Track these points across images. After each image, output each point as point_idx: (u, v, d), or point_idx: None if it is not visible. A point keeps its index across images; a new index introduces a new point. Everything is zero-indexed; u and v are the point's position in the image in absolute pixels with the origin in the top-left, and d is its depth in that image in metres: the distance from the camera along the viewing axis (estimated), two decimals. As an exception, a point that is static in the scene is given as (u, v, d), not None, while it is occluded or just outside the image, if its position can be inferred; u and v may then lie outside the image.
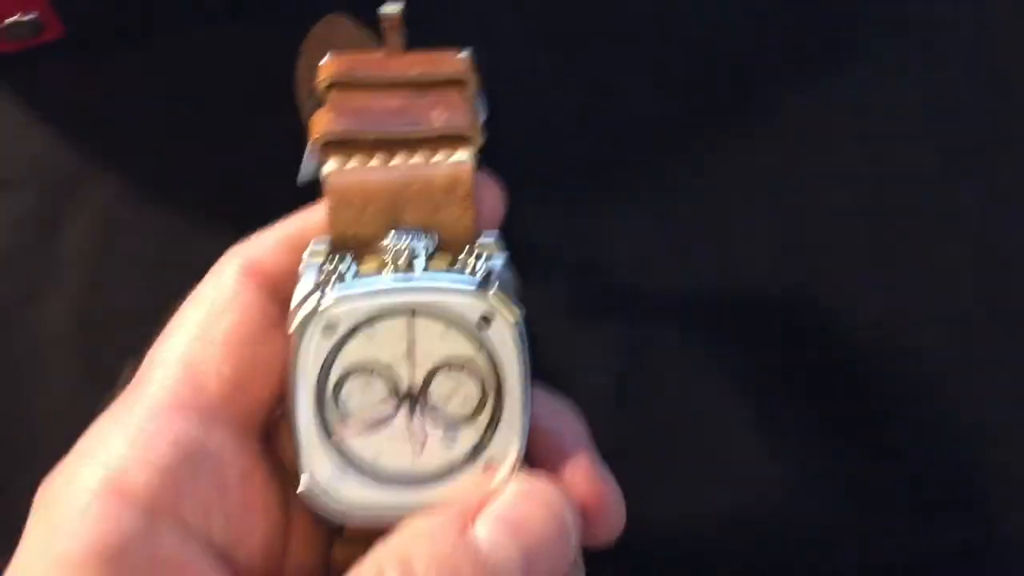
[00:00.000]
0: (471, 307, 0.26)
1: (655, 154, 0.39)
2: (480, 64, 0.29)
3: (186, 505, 0.24)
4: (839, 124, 0.39)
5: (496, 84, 0.30)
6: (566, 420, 0.28)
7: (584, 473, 0.27)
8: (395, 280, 0.26)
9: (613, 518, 0.27)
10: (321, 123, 0.28)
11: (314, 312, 0.26)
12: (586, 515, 0.26)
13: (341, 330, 0.26)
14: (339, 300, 0.26)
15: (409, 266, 0.26)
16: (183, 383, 0.26)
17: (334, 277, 0.26)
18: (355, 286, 0.26)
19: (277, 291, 0.27)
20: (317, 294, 0.26)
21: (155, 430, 0.25)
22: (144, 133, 0.39)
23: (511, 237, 0.28)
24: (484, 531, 0.25)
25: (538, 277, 0.30)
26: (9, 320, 0.37)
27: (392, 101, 0.28)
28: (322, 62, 0.29)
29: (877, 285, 0.38)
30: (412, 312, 0.26)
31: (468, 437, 0.27)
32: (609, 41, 0.39)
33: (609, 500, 0.27)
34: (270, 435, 0.27)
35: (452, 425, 0.27)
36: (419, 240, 0.27)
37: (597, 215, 0.38)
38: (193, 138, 0.39)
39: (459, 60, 0.29)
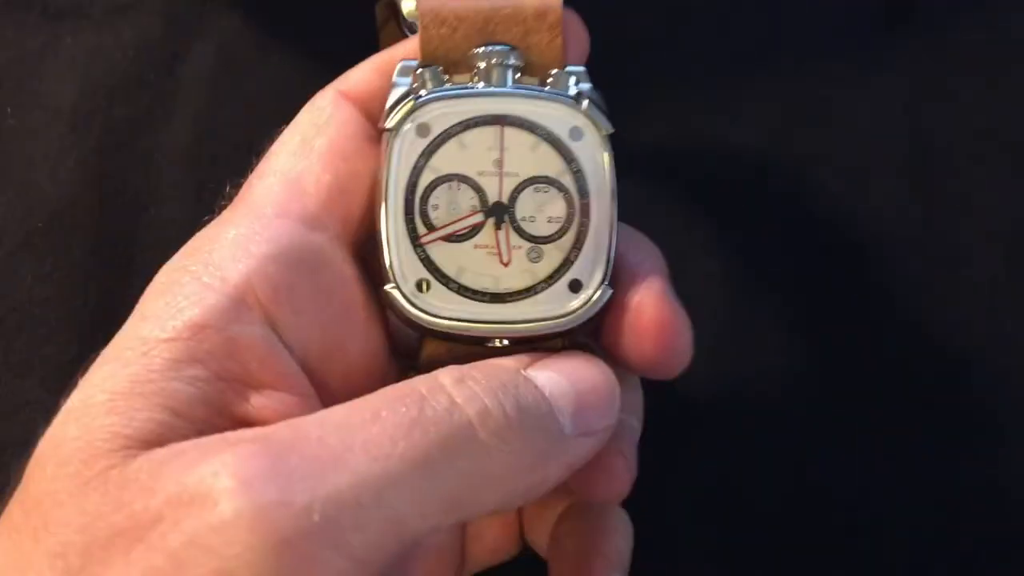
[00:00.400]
0: (563, 118, 0.27)
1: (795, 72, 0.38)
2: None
3: (281, 305, 0.25)
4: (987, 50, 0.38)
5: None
6: (647, 248, 0.28)
7: (655, 297, 0.27)
8: (490, 88, 0.27)
9: (679, 345, 0.27)
10: None
11: (410, 111, 0.26)
12: (654, 337, 0.27)
13: (434, 132, 0.27)
14: (433, 102, 0.27)
15: (500, 78, 0.27)
16: (284, 192, 0.26)
17: (429, 83, 0.27)
18: (449, 91, 0.27)
19: (372, 112, 0.28)
20: (412, 96, 0.27)
21: (255, 232, 0.26)
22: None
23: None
24: (540, 371, 0.25)
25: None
26: (126, 141, 0.38)
27: None
28: None
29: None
30: (504, 122, 0.27)
31: (553, 256, 0.27)
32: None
33: (676, 325, 0.27)
34: (367, 252, 0.28)
35: (538, 242, 0.27)
36: (510, 54, 0.27)
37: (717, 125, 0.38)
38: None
39: None
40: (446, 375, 0.24)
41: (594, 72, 0.28)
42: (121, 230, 0.37)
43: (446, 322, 0.27)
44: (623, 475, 0.27)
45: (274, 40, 0.39)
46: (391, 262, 0.27)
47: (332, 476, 0.21)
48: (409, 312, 0.27)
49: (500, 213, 0.27)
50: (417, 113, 0.27)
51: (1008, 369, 0.36)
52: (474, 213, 0.27)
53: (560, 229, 0.27)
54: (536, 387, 0.25)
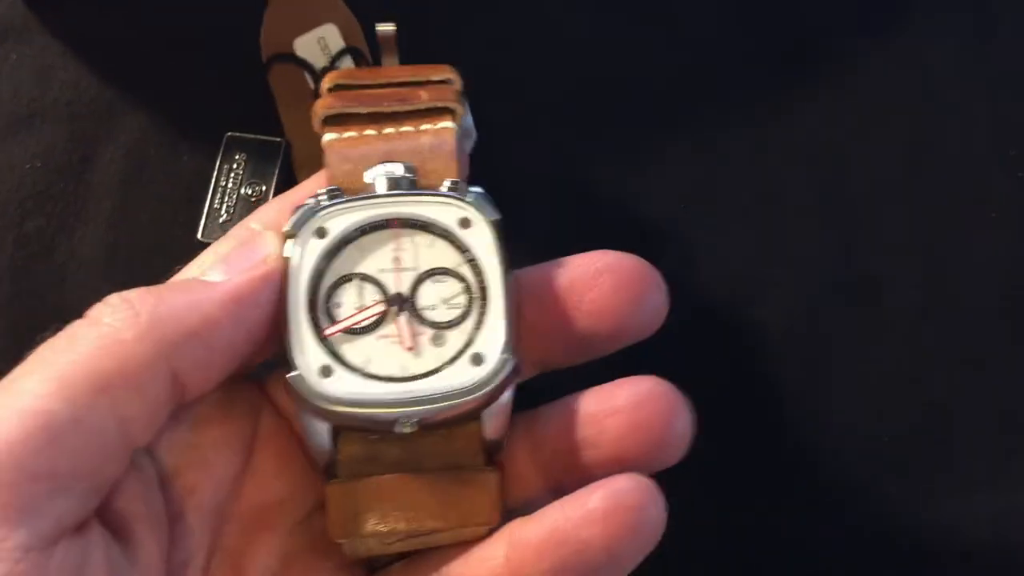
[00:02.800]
0: (451, 211, 0.28)
1: (704, 114, 0.39)
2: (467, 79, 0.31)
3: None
4: (890, 91, 0.39)
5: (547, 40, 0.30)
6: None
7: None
8: (380, 194, 0.28)
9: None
10: (321, 104, 0.30)
11: (306, 217, 0.28)
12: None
13: (332, 236, 0.28)
14: (330, 208, 0.28)
15: (392, 187, 0.28)
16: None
17: (327, 198, 0.28)
18: (345, 200, 0.28)
19: None
20: (312, 204, 0.28)
21: None
22: (171, 70, 0.39)
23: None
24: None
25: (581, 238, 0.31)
26: (40, 250, 0.37)
27: (387, 90, 0.30)
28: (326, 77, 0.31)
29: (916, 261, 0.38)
30: (399, 224, 0.28)
31: (457, 339, 0.28)
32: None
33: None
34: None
35: (440, 328, 0.28)
36: (400, 168, 0.29)
37: (639, 173, 0.38)
38: (219, 77, 0.39)
39: (445, 67, 0.31)
40: None
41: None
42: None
43: (350, 409, 0.27)
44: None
45: (182, 137, 0.38)
46: (294, 352, 0.27)
47: None
48: (312, 395, 0.27)
49: (400, 303, 0.28)
50: (315, 220, 0.28)
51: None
52: (376, 304, 0.28)
53: (462, 314, 0.28)
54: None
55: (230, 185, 0.38)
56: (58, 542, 0.23)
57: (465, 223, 0.28)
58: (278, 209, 0.29)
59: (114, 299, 0.26)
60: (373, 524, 0.27)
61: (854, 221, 0.38)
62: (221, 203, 0.37)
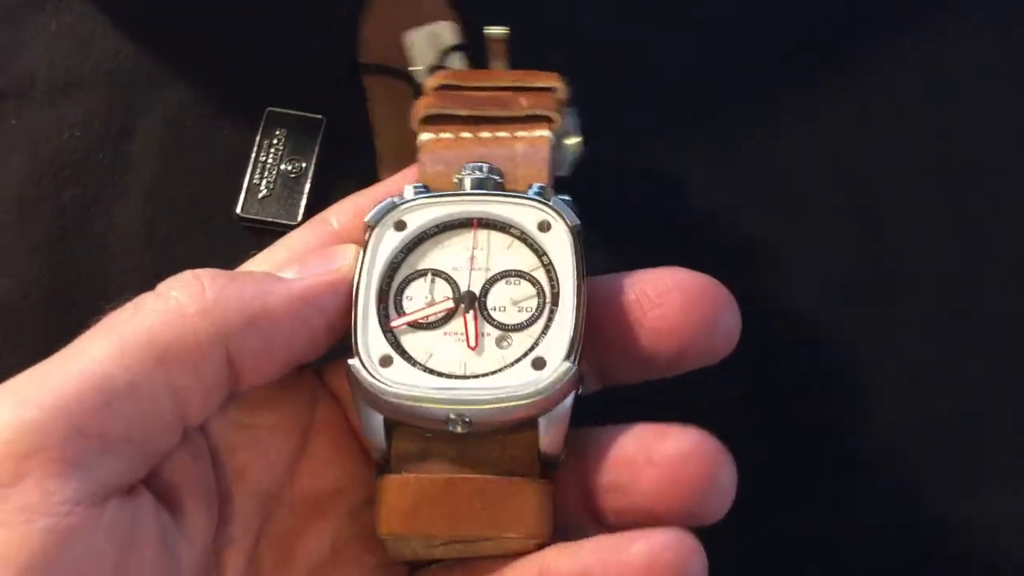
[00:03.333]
0: (531, 213, 0.28)
1: (730, 113, 0.38)
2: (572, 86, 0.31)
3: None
4: (916, 87, 0.38)
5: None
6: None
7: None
8: (463, 192, 0.28)
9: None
10: (421, 104, 0.30)
11: (388, 208, 0.28)
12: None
13: (410, 230, 0.28)
14: (412, 202, 0.28)
15: (476, 186, 0.29)
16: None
17: (410, 193, 0.29)
18: (427, 195, 0.29)
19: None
20: (394, 201, 0.28)
21: None
22: (212, 41, 0.39)
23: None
24: None
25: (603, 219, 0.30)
26: (78, 221, 0.37)
27: (488, 94, 0.31)
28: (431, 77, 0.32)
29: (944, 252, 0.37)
30: (477, 223, 0.28)
31: (522, 342, 0.27)
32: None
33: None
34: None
35: (508, 330, 0.27)
36: (489, 170, 0.29)
37: (666, 169, 0.38)
38: (261, 51, 0.38)
39: (555, 76, 0.31)
40: None
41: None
42: (78, 323, 0.35)
43: (402, 398, 0.26)
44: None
45: (221, 111, 0.38)
46: (357, 339, 0.27)
47: None
48: (369, 384, 0.26)
49: (470, 301, 0.28)
50: (396, 213, 0.28)
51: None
52: (445, 300, 0.28)
53: (530, 318, 0.27)
54: None
55: (270, 161, 0.37)
56: (107, 501, 0.24)
57: (544, 226, 0.28)
58: (356, 204, 0.29)
59: (187, 274, 0.26)
60: (418, 523, 0.27)
61: (877, 220, 0.37)
62: (261, 178, 0.37)
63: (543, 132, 0.30)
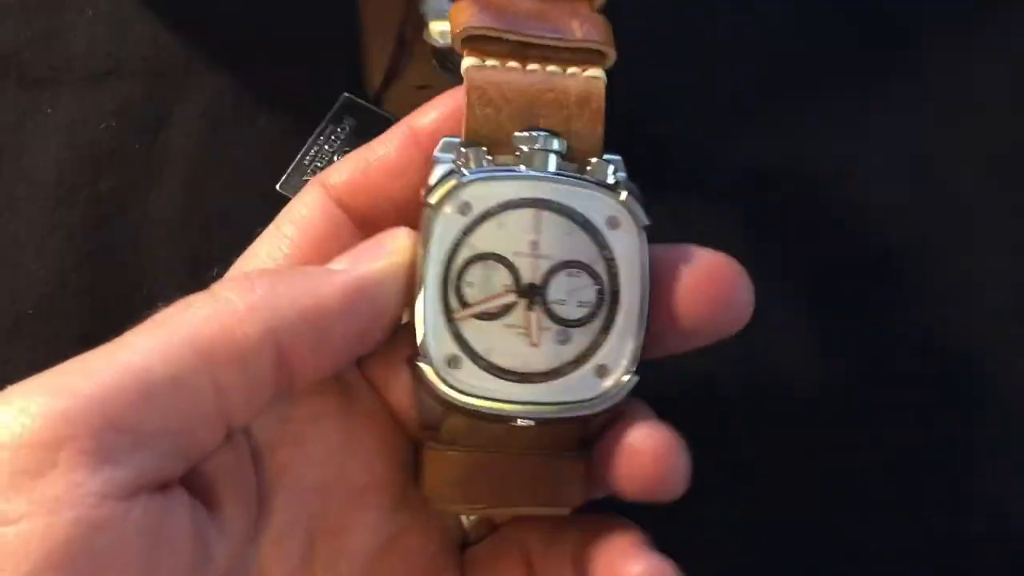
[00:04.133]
0: (601, 206, 0.27)
1: (781, 94, 0.38)
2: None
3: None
4: (980, 81, 0.38)
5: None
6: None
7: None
8: (532, 171, 0.27)
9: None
10: (463, 15, 0.27)
11: (453, 190, 0.26)
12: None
13: (475, 211, 0.27)
14: (477, 182, 0.27)
15: (542, 163, 0.27)
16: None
17: (472, 163, 0.27)
18: (492, 172, 0.27)
19: (345, 200, 0.29)
20: (455, 175, 0.27)
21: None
22: (251, 30, 0.38)
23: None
24: None
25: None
26: (114, 214, 0.37)
27: (536, 7, 0.28)
28: None
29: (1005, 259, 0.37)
30: (543, 206, 0.27)
31: (580, 340, 0.27)
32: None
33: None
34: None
35: (567, 325, 0.27)
36: (553, 140, 0.27)
37: (718, 153, 0.37)
38: (300, 41, 0.38)
39: None
40: None
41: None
42: (114, 312, 0.35)
43: (475, 400, 0.26)
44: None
45: (259, 101, 0.38)
46: (424, 337, 0.27)
47: None
48: (439, 388, 0.26)
49: (532, 294, 0.27)
50: (460, 192, 0.27)
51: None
52: (507, 293, 0.27)
53: (589, 314, 0.27)
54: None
55: (327, 147, 0.37)
56: (137, 496, 0.23)
57: (613, 223, 0.27)
58: (355, 164, 0.29)
59: (238, 275, 0.26)
60: (464, 495, 0.27)
61: (940, 215, 0.37)
62: (311, 161, 0.37)
63: (597, 72, 0.27)
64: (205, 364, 0.24)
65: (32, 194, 0.37)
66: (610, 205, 0.27)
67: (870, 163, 0.37)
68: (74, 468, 0.22)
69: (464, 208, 0.26)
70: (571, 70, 0.28)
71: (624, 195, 0.27)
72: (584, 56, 0.28)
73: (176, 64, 0.38)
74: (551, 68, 0.27)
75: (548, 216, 0.27)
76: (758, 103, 0.38)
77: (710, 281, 0.27)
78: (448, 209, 0.26)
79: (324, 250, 0.28)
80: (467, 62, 0.27)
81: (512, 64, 0.27)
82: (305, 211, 0.29)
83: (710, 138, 0.38)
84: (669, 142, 0.37)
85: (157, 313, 0.25)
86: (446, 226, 0.26)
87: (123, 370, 0.23)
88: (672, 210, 0.35)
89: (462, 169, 0.27)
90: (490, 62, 0.27)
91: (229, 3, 0.39)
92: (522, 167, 0.27)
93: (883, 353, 0.36)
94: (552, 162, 0.27)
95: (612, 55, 0.28)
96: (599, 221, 0.27)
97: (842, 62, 0.38)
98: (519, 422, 0.27)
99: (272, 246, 0.28)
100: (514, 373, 0.26)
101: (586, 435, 0.27)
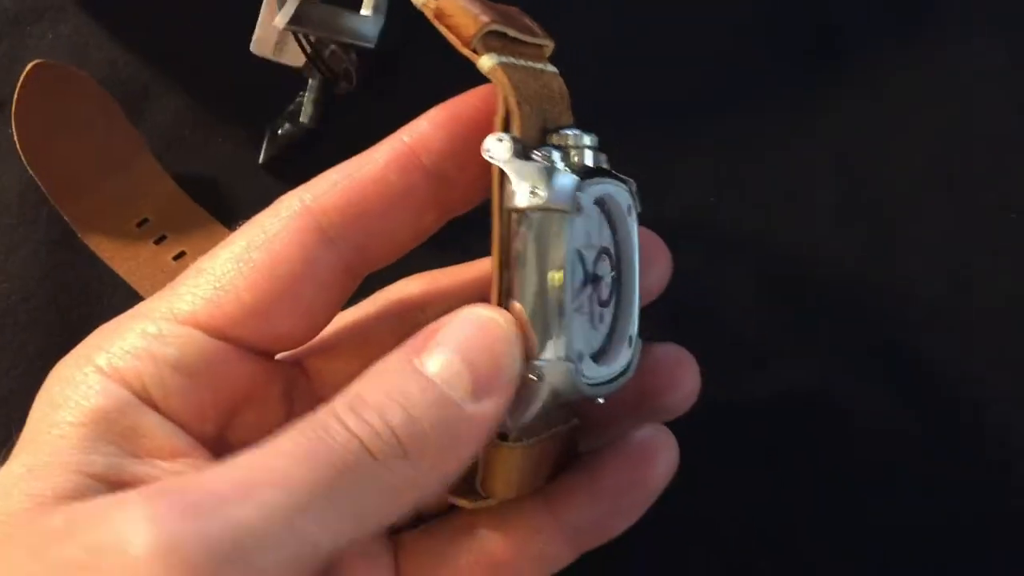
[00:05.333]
0: (626, 198, 0.28)
1: (730, 112, 0.39)
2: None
3: (173, 403, 0.26)
4: (921, 89, 0.39)
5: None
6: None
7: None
8: (601, 175, 0.27)
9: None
10: (469, 14, 0.26)
11: (572, 191, 0.25)
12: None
13: (581, 210, 0.26)
14: (581, 184, 0.26)
15: (595, 160, 0.27)
16: (207, 299, 0.26)
17: (559, 165, 0.26)
18: (595, 174, 0.27)
19: (328, 232, 0.27)
20: (556, 179, 0.26)
21: (161, 335, 0.26)
22: (208, 51, 0.40)
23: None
24: (430, 357, 0.25)
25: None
26: (72, 229, 0.38)
27: (501, 6, 0.28)
28: None
29: (943, 258, 0.38)
30: (604, 201, 0.27)
31: (607, 317, 0.28)
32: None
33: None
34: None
35: (603, 306, 0.28)
36: (584, 136, 0.27)
37: (662, 167, 0.38)
38: (257, 60, 0.39)
39: None
40: (339, 402, 0.25)
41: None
42: (76, 324, 0.36)
43: (593, 390, 0.27)
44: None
45: (216, 119, 0.39)
46: (554, 342, 0.26)
47: (241, 507, 0.22)
48: (581, 387, 0.26)
49: (595, 279, 0.27)
50: (576, 197, 0.26)
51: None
52: (584, 287, 0.27)
53: (610, 293, 0.28)
54: (426, 380, 0.25)
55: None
56: None
57: (630, 211, 0.28)
58: (335, 190, 0.27)
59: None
60: (527, 483, 0.28)
61: (880, 221, 0.38)
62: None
63: (553, 68, 0.28)
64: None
65: (-4, 212, 0.38)
66: (629, 196, 0.28)
67: (816, 174, 0.39)
68: None
69: (574, 211, 0.26)
70: (541, 65, 0.27)
71: (634, 187, 0.28)
72: (543, 52, 0.28)
73: (135, 85, 0.39)
74: (538, 65, 0.27)
75: (594, 210, 0.27)
76: (695, 116, 0.39)
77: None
78: (564, 212, 0.25)
79: (293, 283, 0.27)
80: (496, 61, 0.26)
81: (513, 60, 0.26)
82: (280, 236, 0.27)
83: (659, 148, 0.39)
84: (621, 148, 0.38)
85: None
86: (561, 229, 0.25)
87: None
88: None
89: (554, 175, 0.26)
90: (507, 59, 0.26)
91: (186, 25, 0.40)
92: (562, 164, 0.26)
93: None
94: (588, 157, 0.27)
95: (551, 44, 0.28)
96: (624, 209, 0.28)
97: (791, 76, 0.40)
98: (600, 400, 0.27)
99: (238, 269, 0.26)
100: (592, 356, 0.27)
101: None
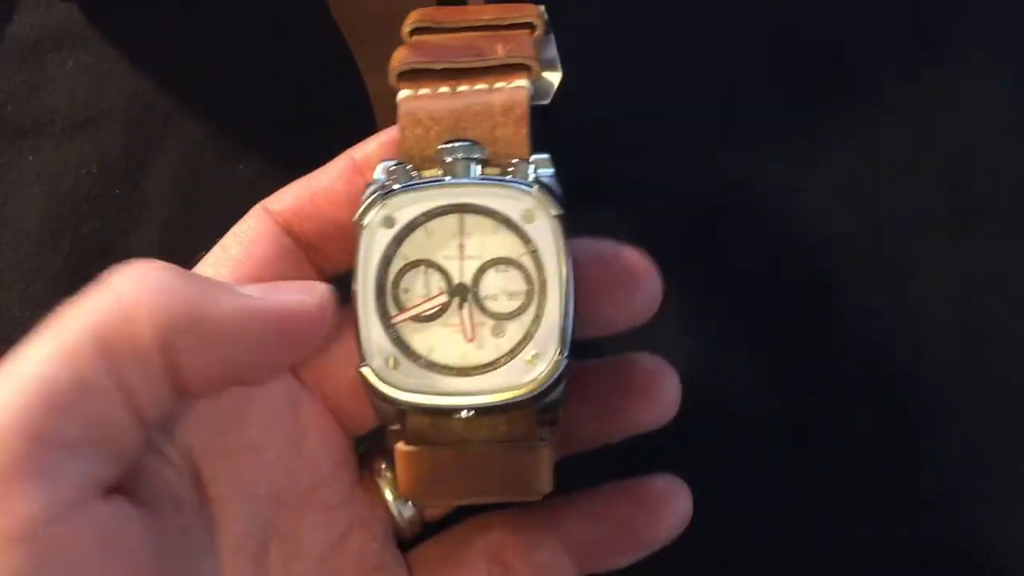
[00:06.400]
0: (516, 202, 0.29)
1: (735, 137, 0.39)
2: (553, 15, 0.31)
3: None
4: (929, 116, 0.39)
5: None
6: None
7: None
8: (449, 181, 0.29)
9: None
10: (397, 57, 0.30)
11: (378, 205, 0.29)
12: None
13: (400, 223, 0.29)
14: (398, 196, 0.29)
15: (464, 170, 0.29)
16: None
17: (401, 179, 0.29)
18: (413, 186, 0.29)
19: (292, 228, 0.30)
20: (380, 191, 0.29)
21: None
22: (229, 79, 0.40)
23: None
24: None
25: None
26: (96, 258, 0.38)
27: (464, 40, 0.31)
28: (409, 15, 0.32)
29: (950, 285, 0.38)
30: (465, 209, 0.29)
31: (515, 331, 0.29)
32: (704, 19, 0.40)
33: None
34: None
35: (500, 319, 0.29)
36: (473, 148, 0.29)
37: (665, 189, 0.38)
38: (279, 88, 0.40)
39: (531, 7, 0.31)
40: None
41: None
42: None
43: (414, 396, 0.29)
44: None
45: (237, 148, 0.39)
46: (364, 342, 0.29)
47: None
48: (379, 388, 0.29)
49: (463, 293, 0.29)
50: (383, 207, 0.29)
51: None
52: (440, 294, 0.29)
53: (521, 306, 0.29)
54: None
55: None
56: (83, 509, 0.22)
57: (529, 216, 0.29)
58: (294, 196, 0.30)
59: (134, 264, 0.25)
60: (436, 491, 0.30)
61: (891, 257, 0.38)
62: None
63: (521, 82, 0.30)
64: (105, 362, 0.23)
65: (16, 240, 0.38)
66: (524, 200, 0.29)
67: (818, 194, 0.39)
68: (10, 496, 0.21)
69: (388, 221, 0.29)
70: (498, 84, 0.30)
71: (535, 189, 0.29)
72: (509, 71, 0.30)
73: (156, 113, 0.39)
74: (479, 86, 0.30)
75: (471, 219, 0.29)
76: (703, 140, 0.39)
77: (622, 272, 0.30)
78: (374, 224, 0.29)
79: (270, 271, 0.30)
80: (400, 94, 0.30)
81: (443, 89, 0.30)
82: (251, 232, 0.30)
83: (664, 163, 0.39)
84: (627, 168, 0.39)
85: (53, 315, 0.24)
86: (373, 240, 0.29)
87: (28, 383, 0.22)
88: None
89: (391, 186, 0.29)
90: (422, 91, 0.30)
91: (208, 54, 0.40)
92: (448, 177, 0.29)
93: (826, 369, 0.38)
94: (472, 169, 0.29)
95: (536, 66, 0.30)
96: (517, 217, 0.29)
97: (791, 105, 0.39)
98: (462, 413, 0.29)
99: (218, 265, 0.30)
100: (453, 368, 0.29)
101: (546, 415, 0.29)
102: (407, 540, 0.32)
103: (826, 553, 0.36)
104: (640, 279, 0.30)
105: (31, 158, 0.39)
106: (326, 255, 0.31)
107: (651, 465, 0.32)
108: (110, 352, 0.23)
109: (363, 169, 0.30)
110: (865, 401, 0.37)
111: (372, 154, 0.30)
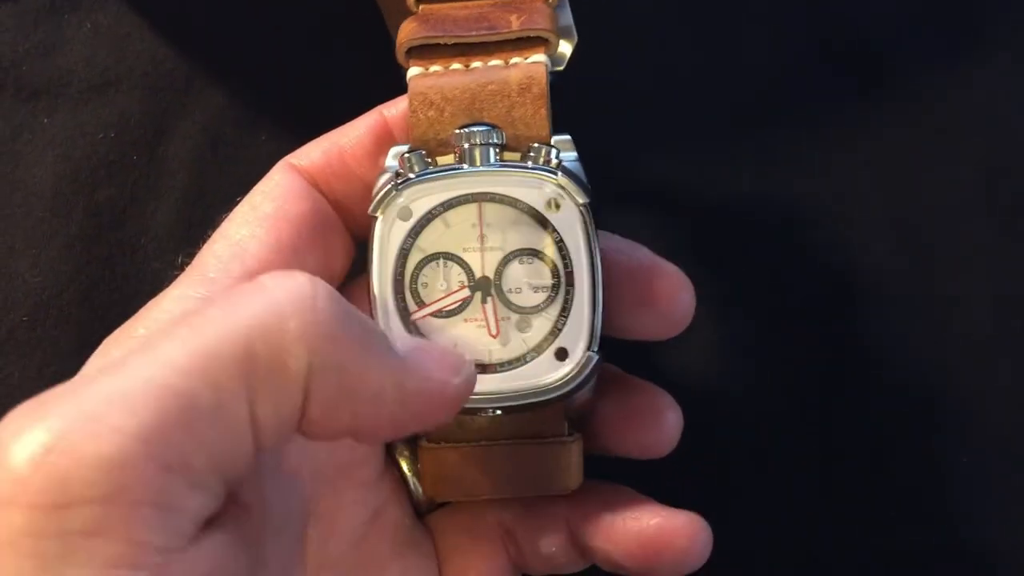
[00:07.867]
0: (540, 191, 0.27)
1: (770, 134, 0.38)
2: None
3: None
4: (964, 114, 0.38)
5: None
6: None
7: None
8: (467, 168, 0.27)
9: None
10: (405, 31, 0.29)
11: (393, 196, 0.27)
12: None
13: (417, 214, 0.28)
14: (415, 185, 0.27)
15: (483, 157, 0.27)
16: (228, 254, 0.28)
17: (416, 167, 0.28)
18: (430, 175, 0.27)
19: (318, 182, 0.29)
20: (394, 181, 0.28)
21: (195, 291, 0.27)
22: (252, 45, 0.39)
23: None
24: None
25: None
26: (111, 225, 0.37)
27: (475, 10, 0.29)
28: None
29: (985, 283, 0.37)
30: (484, 198, 0.28)
31: (542, 325, 0.28)
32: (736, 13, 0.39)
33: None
34: None
35: (525, 312, 0.28)
36: (491, 133, 0.28)
37: (707, 186, 0.38)
38: (302, 57, 0.38)
39: None
40: None
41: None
42: (110, 321, 0.35)
43: None
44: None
45: (260, 117, 0.38)
46: None
47: None
48: None
49: (486, 287, 0.28)
50: (398, 198, 0.27)
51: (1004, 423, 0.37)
52: (461, 288, 0.28)
53: (547, 299, 0.28)
54: None
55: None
56: (198, 542, 0.21)
57: (553, 205, 0.27)
58: (318, 153, 0.29)
59: (302, 279, 0.23)
60: (463, 488, 0.29)
61: (925, 243, 0.38)
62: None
63: (538, 57, 0.28)
64: (247, 390, 0.21)
65: (28, 204, 0.37)
66: (549, 188, 0.27)
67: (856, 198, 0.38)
68: (131, 523, 0.20)
69: (404, 212, 0.28)
70: (513, 60, 0.28)
71: (560, 176, 0.27)
72: (525, 44, 0.28)
73: (176, 80, 0.38)
74: (493, 62, 0.28)
75: (491, 208, 0.28)
76: (736, 135, 0.38)
77: (659, 293, 0.28)
78: (389, 217, 0.28)
79: (306, 231, 0.28)
80: (410, 72, 0.28)
81: (455, 66, 0.28)
82: (280, 189, 0.29)
83: (687, 169, 0.38)
84: (648, 175, 0.38)
85: (196, 300, 0.25)
86: (389, 233, 0.28)
87: (166, 398, 0.20)
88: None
89: (406, 175, 0.28)
90: (433, 68, 0.28)
91: (230, 20, 0.39)
92: (464, 165, 0.27)
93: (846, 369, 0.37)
94: (491, 155, 0.27)
95: (555, 39, 0.28)
96: (540, 205, 0.27)
97: (824, 100, 0.39)
98: (489, 412, 0.27)
99: (251, 225, 0.28)
100: (477, 365, 0.27)
101: (573, 416, 0.28)
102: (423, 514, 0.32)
103: (827, 554, 0.36)
104: (677, 300, 0.28)
105: (45, 120, 0.38)
106: (354, 217, 0.29)
107: (651, 465, 0.30)
108: (254, 374, 0.21)
109: (393, 126, 0.29)
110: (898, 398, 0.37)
111: (402, 114, 0.29)
